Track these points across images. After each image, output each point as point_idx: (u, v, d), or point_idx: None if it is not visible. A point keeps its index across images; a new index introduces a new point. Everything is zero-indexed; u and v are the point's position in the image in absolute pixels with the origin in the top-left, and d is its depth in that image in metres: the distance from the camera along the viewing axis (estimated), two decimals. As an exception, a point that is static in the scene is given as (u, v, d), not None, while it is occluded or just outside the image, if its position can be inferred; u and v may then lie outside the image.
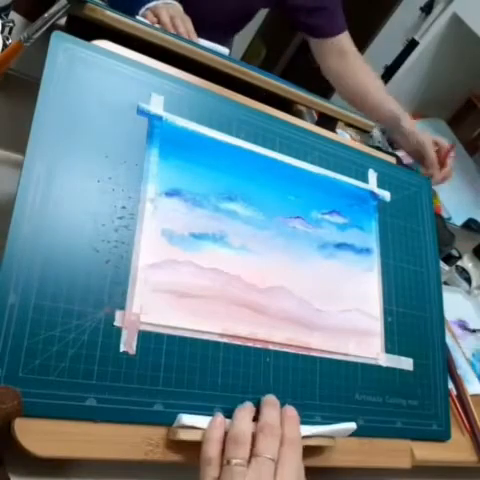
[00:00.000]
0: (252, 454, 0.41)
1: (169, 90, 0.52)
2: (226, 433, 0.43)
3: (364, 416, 0.53)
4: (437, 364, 0.61)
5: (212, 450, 0.41)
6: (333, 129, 0.77)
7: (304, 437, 0.45)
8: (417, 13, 1.48)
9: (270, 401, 0.46)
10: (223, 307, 0.49)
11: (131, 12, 0.61)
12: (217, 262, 0.49)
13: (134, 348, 0.43)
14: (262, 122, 0.57)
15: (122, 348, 0.43)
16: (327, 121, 0.75)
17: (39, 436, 0.39)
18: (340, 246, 0.58)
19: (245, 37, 1.76)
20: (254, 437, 0.42)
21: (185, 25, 0.75)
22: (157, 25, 0.73)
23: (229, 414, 0.45)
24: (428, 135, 0.95)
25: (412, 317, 0.60)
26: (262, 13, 1.82)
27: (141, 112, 0.50)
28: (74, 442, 0.40)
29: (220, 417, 0.44)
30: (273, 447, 0.42)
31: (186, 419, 0.43)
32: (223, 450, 0.41)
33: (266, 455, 0.40)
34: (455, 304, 0.87)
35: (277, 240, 0.54)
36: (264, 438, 0.42)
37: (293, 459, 0.42)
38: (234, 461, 0.40)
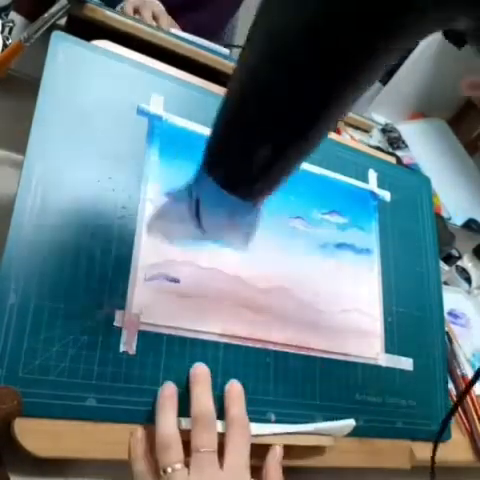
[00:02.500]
0: (190, 451, 0.39)
1: (169, 90, 0.52)
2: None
3: (364, 416, 0.53)
4: (437, 364, 0.61)
5: (140, 467, 0.39)
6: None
7: (303, 435, 0.45)
8: (417, 13, 1.48)
9: (197, 379, 0.43)
10: (223, 307, 0.49)
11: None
12: (217, 262, 0.49)
13: (134, 348, 0.43)
14: (262, 122, 0.57)
15: (122, 348, 0.43)
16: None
17: (39, 436, 0.39)
18: (340, 246, 0.58)
19: (245, 37, 1.76)
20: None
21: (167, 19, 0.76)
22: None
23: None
24: None
25: (412, 317, 0.60)
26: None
27: (141, 112, 0.50)
28: (74, 442, 0.40)
29: (139, 430, 0.41)
30: (208, 437, 0.40)
31: (186, 422, 0.43)
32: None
33: (204, 449, 0.39)
34: (455, 304, 0.87)
35: (277, 240, 0.54)
36: (197, 431, 0.40)
37: (240, 443, 0.41)
38: (169, 469, 0.38)
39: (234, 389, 0.45)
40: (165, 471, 0.38)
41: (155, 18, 0.76)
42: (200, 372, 0.44)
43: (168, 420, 0.41)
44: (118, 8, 0.71)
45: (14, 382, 0.39)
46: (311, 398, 0.51)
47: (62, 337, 0.41)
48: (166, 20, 0.77)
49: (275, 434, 0.46)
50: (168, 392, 0.42)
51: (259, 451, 0.44)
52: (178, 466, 0.38)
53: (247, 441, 0.41)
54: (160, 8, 0.78)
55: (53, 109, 0.45)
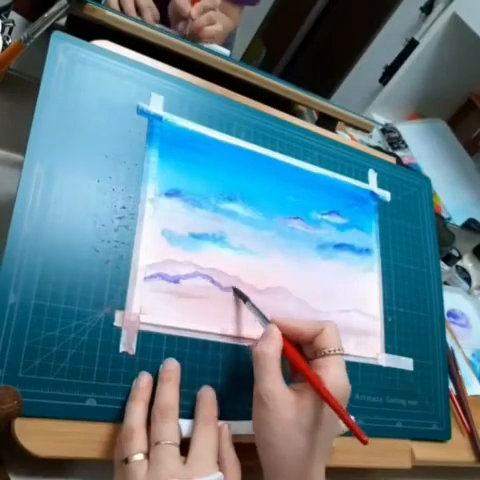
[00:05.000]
0: (151, 443, 0.39)
1: (169, 90, 0.52)
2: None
3: (364, 416, 0.53)
4: (437, 364, 0.60)
5: (116, 455, 0.40)
6: (333, 129, 0.77)
7: None
8: (417, 13, 1.48)
9: (167, 376, 0.43)
10: (223, 307, 0.49)
11: None
12: (217, 262, 0.49)
13: (134, 348, 0.43)
14: (262, 122, 0.57)
15: (122, 348, 0.43)
16: (327, 121, 0.75)
17: (39, 436, 0.39)
18: (340, 246, 0.58)
19: (245, 37, 1.76)
20: None
21: (152, 11, 0.75)
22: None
23: (228, 414, 0.45)
24: None
25: (412, 317, 0.60)
26: (262, 13, 1.81)
27: (141, 112, 0.50)
28: (74, 442, 0.40)
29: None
30: (169, 430, 0.39)
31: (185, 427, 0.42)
32: None
33: (164, 441, 0.38)
34: (455, 304, 0.87)
35: (276, 240, 0.54)
36: (157, 424, 0.40)
37: (206, 437, 0.40)
38: (130, 459, 0.38)
39: (207, 394, 0.44)
40: (126, 461, 0.38)
41: (138, 10, 0.74)
42: (171, 368, 0.43)
43: (136, 411, 0.40)
44: (102, 1, 0.69)
45: (14, 382, 0.39)
46: (311, 398, 0.51)
47: (62, 337, 0.41)
48: (150, 14, 0.75)
49: None
50: (142, 383, 0.42)
51: (253, 452, 0.44)
52: (138, 457, 0.38)
53: (214, 436, 0.41)
54: (144, 1, 0.75)
55: (53, 109, 0.45)
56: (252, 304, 0.47)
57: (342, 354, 0.42)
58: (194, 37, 0.73)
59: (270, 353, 0.41)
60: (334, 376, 0.40)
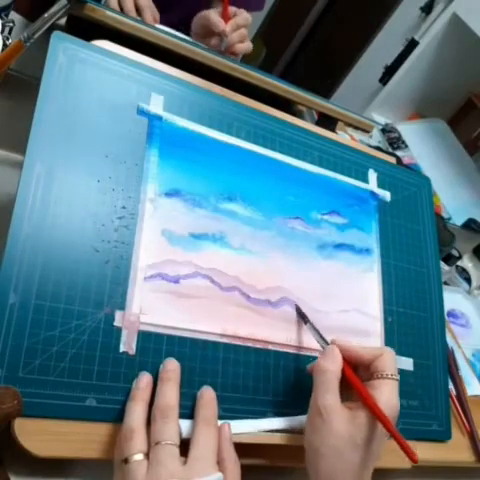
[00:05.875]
0: (151, 443, 0.39)
1: (169, 90, 0.52)
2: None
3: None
4: (437, 364, 0.60)
5: (116, 455, 0.40)
6: (333, 129, 0.77)
7: (302, 435, 0.45)
8: (417, 13, 1.48)
9: (168, 376, 0.43)
10: (222, 307, 0.49)
11: None
12: (216, 262, 0.49)
13: (134, 348, 0.43)
14: (262, 122, 0.57)
15: (122, 348, 0.43)
16: (327, 121, 0.75)
17: (39, 436, 0.39)
18: (339, 246, 0.58)
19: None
20: None
21: (152, 11, 0.75)
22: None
23: (228, 414, 0.46)
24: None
25: (412, 317, 0.60)
26: (262, 13, 1.81)
27: (141, 112, 0.50)
28: (74, 442, 0.40)
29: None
30: (169, 430, 0.39)
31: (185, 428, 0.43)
32: None
33: (164, 441, 0.38)
34: (455, 304, 0.87)
35: (276, 240, 0.54)
36: (158, 424, 0.39)
37: (206, 438, 0.40)
38: (129, 459, 0.38)
39: (208, 394, 0.44)
40: (126, 461, 0.38)
41: (138, 10, 0.74)
42: (171, 368, 0.43)
43: (135, 411, 0.40)
44: (102, 1, 0.69)
45: (14, 382, 0.39)
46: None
47: (62, 337, 0.41)
48: (149, 14, 0.75)
49: (271, 431, 0.46)
50: (142, 383, 0.42)
51: (253, 451, 0.44)
52: (138, 457, 0.38)
53: (214, 436, 0.41)
54: (144, 1, 0.75)
55: (53, 109, 0.45)
56: (312, 325, 0.50)
57: (397, 380, 0.45)
58: (223, 52, 0.73)
59: (332, 370, 0.44)
60: (387, 398, 0.43)
